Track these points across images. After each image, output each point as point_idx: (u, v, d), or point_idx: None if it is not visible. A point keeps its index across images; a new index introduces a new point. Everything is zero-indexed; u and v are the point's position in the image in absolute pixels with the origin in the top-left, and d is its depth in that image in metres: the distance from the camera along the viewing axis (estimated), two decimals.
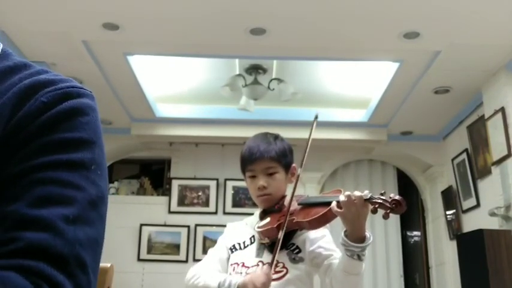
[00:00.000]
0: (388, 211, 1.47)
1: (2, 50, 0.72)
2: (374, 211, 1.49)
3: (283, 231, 1.62)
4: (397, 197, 1.48)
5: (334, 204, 1.53)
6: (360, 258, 1.52)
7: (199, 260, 1.87)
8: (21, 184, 0.61)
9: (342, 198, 1.51)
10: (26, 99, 0.65)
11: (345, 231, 1.54)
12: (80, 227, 0.60)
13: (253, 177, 1.79)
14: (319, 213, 1.59)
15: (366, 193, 1.50)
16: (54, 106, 0.65)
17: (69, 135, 0.64)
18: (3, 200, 0.60)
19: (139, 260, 5.40)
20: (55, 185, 0.61)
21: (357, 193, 1.50)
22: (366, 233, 1.54)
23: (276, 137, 1.83)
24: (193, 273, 1.74)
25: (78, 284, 0.58)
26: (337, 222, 1.59)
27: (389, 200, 1.47)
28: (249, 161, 1.78)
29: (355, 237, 1.52)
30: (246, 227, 1.85)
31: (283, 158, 1.78)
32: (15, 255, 0.56)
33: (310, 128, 1.73)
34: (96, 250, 0.63)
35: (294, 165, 1.84)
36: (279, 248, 1.61)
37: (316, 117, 1.74)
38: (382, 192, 1.51)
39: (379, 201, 1.48)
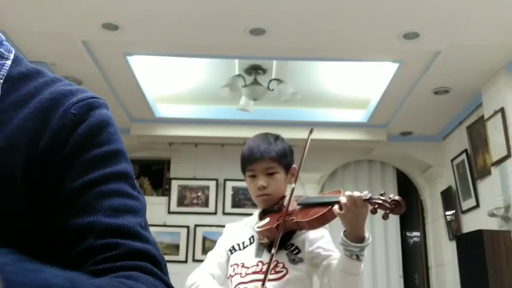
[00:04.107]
0: (388, 211, 1.48)
1: (14, 55, 0.73)
2: (374, 211, 1.50)
3: (281, 232, 1.62)
4: (396, 198, 1.48)
5: (336, 206, 1.53)
6: (358, 258, 1.52)
7: (198, 261, 1.88)
8: (86, 199, 0.65)
9: (343, 199, 1.51)
10: (51, 112, 0.67)
11: (344, 231, 1.55)
12: (149, 233, 0.67)
13: (253, 176, 1.79)
14: (318, 213, 1.59)
15: (366, 193, 1.51)
16: (84, 118, 0.68)
17: (107, 148, 0.69)
18: (71, 213, 0.64)
19: None
20: (117, 197, 0.66)
21: (356, 193, 1.51)
22: (365, 233, 1.54)
23: (277, 137, 1.83)
24: (193, 280, 1.74)
25: (170, 282, 0.65)
26: (337, 223, 1.60)
27: (389, 201, 1.48)
28: (249, 160, 1.78)
29: (354, 237, 1.52)
30: (245, 227, 1.85)
31: (283, 158, 1.79)
32: (125, 258, 0.61)
33: (306, 140, 1.73)
34: None
35: (294, 166, 1.84)
36: (276, 249, 1.61)
37: (311, 131, 1.74)
38: (382, 192, 1.52)
39: (378, 201, 1.48)
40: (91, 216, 0.63)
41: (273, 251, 1.58)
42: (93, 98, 0.71)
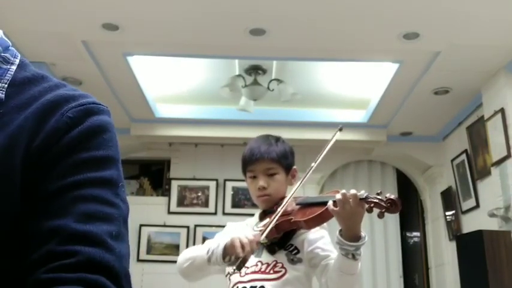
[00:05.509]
0: (384, 210, 1.49)
1: (20, 60, 0.74)
2: (369, 210, 1.51)
3: (273, 222, 1.63)
4: (392, 197, 1.49)
5: (330, 202, 1.54)
6: (354, 257, 1.53)
7: None
8: (63, 200, 0.64)
9: (337, 196, 1.53)
10: (50, 114, 0.68)
11: (340, 230, 1.56)
12: (120, 243, 0.66)
13: (253, 177, 1.81)
14: (315, 212, 1.61)
15: (362, 192, 1.52)
16: (80, 122, 0.68)
17: (98, 153, 0.68)
18: (45, 214, 0.64)
19: (138, 260, 5.39)
20: (94, 202, 0.66)
21: (353, 191, 1.52)
22: (361, 232, 1.55)
23: (278, 139, 1.86)
24: (184, 253, 1.80)
25: None
26: (337, 224, 1.60)
27: (385, 200, 1.49)
28: (249, 161, 1.80)
29: (350, 236, 1.53)
30: (246, 227, 1.85)
31: (283, 159, 1.80)
32: (78, 269, 0.60)
33: (332, 137, 1.78)
34: (129, 264, 0.68)
35: (294, 167, 1.86)
36: (279, 215, 1.63)
37: (341, 129, 1.77)
38: (379, 191, 1.53)
39: (374, 200, 1.49)
40: (61, 220, 0.63)
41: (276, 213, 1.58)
42: (93, 103, 0.72)
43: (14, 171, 0.64)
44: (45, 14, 3.38)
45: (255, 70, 4.43)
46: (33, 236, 0.63)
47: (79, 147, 0.67)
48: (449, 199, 5.14)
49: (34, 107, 0.68)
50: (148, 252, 5.43)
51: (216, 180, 5.62)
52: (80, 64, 4.02)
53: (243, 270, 1.70)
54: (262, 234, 1.61)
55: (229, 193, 5.59)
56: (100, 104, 0.73)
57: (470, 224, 4.61)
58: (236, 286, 1.70)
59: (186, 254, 1.77)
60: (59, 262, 0.60)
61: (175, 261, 1.82)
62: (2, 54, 0.72)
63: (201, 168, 5.68)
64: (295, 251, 1.70)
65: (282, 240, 1.72)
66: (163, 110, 5.18)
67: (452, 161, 5.03)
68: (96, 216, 0.64)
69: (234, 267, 1.54)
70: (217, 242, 1.65)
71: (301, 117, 5.17)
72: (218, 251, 1.61)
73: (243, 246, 1.54)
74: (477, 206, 4.54)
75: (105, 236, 0.64)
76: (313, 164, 1.71)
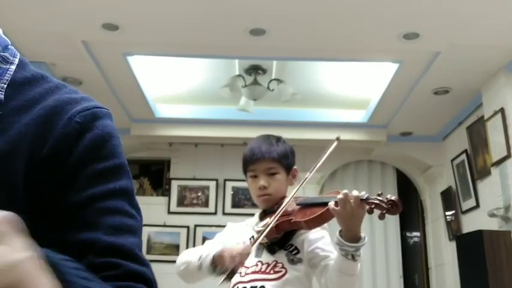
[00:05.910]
0: (384, 212, 1.49)
1: (19, 59, 0.73)
2: (370, 211, 1.51)
3: (273, 222, 1.63)
4: (393, 198, 1.49)
5: (332, 202, 1.54)
6: (354, 258, 1.53)
7: None
8: (88, 213, 0.65)
9: (339, 196, 1.53)
10: (55, 119, 0.67)
11: (340, 231, 1.56)
12: (142, 253, 0.69)
13: (254, 177, 1.81)
14: (316, 213, 1.61)
15: (363, 193, 1.52)
16: (88, 127, 0.68)
17: (111, 162, 0.69)
18: (69, 227, 0.64)
19: None
20: (117, 215, 0.67)
21: (355, 192, 1.52)
22: (361, 233, 1.54)
23: (278, 139, 1.86)
24: (182, 255, 1.80)
25: None
26: (337, 224, 1.60)
27: (386, 201, 1.49)
28: (250, 161, 1.80)
29: (350, 237, 1.53)
30: (246, 227, 1.86)
31: (284, 159, 1.80)
32: (125, 279, 0.63)
33: (329, 147, 1.76)
34: None
35: (295, 167, 1.86)
36: (279, 215, 1.63)
37: (338, 138, 1.76)
38: (379, 193, 1.53)
39: (375, 201, 1.49)
40: (92, 233, 0.64)
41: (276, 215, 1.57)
42: (97, 107, 0.71)
43: (15, 176, 0.63)
44: (45, 14, 3.38)
45: (255, 70, 4.43)
46: (62, 248, 0.62)
47: (93, 157, 0.67)
48: (449, 199, 5.14)
49: (36, 112, 0.67)
50: (148, 252, 5.42)
51: (216, 180, 5.62)
52: (80, 64, 4.02)
53: (244, 270, 1.71)
54: (253, 243, 1.61)
55: (229, 193, 5.59)
56: (103, 108, 0.73)
57: (470, 224, 4.61)
58: (236, 286, 1.70)
59: (183, 257, 1.77)
60: (103, 273, 0.61)
61: (175, 261, 1.81)
62: (1, 53, 0.71)
63: (201, 168, 5.68)
64: (295, 251, 1.70)
65: (282, 240, 1.71)
66: (163, 110, 5.18)
67: (452, 161, 5.03)
68: (123, 229, 0.66)
69: (223, 279, 1.53)
70: (208, 251, 1.64)
71: (301, 117, 5.17)
72: (207, 261, 1.61)
73: (232, 258, 1.54)
74: (477, 206, 4.54)
75: (134, 248, 0.66)
76: (307, 175, 1.70)
